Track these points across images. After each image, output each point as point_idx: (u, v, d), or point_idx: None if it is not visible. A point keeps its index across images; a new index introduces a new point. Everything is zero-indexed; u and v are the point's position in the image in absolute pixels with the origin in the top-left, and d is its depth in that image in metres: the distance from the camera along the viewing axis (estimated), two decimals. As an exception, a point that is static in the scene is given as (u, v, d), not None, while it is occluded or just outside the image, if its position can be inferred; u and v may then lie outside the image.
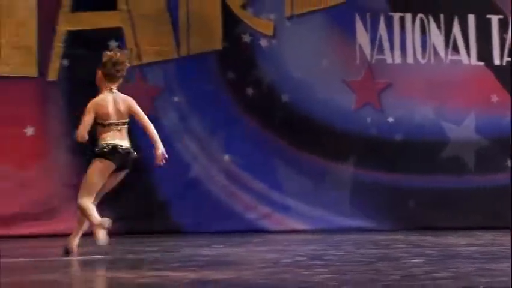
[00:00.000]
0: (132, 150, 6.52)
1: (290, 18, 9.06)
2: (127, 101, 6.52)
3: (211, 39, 8.92)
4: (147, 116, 8.23)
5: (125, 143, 6.48)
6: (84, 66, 8.54)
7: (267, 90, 9.00)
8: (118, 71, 6.51)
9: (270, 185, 8.81)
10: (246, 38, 8.97)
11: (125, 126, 6.51)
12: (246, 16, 9.00)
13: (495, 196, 8.91)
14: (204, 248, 7.07)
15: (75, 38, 8.63)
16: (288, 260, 6.18)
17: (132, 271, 5.69)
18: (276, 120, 8.97)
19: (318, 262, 6.07)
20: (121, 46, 8.54)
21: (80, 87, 8.37)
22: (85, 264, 6.34)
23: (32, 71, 8.58)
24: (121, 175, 6.56)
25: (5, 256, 6.81)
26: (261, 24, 9.03)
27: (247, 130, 8.91)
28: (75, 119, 8.44)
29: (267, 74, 8.98)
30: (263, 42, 9.00)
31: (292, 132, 8.94)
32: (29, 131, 8.46)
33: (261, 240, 7.60)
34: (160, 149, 6.58)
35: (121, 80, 6.58)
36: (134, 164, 6.64)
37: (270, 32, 9.02)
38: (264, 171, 8.84)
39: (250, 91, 8.94)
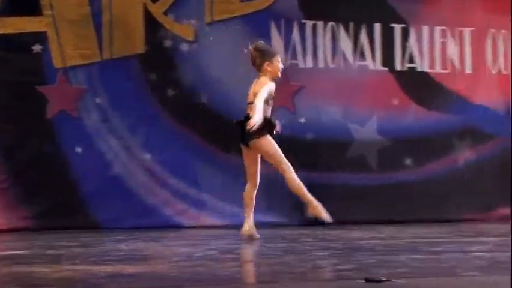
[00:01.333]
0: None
1: (210, 24, 9.01)
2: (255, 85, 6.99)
3: (133, 43, 8.81)
4: (73, 116, 8.18)
5: None
6: (8, 68, 8.41)
7: (187, 92, 8.94)
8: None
9: (188, 182, 8.74)
10: (168, 43, 8.90)
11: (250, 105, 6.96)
12: (168, 22, 8.93)
13: (395, 192, 9.05)
14: (121, 243, 6.98)
15: (0, 42, 8.43)
16: (200, 254, 6.14)
17: (50, 266, 5.57)
18: (194, 120, 8.91)
19: (229, 256, 6.04)
20: (45, 50, 8.46)
21: (4, 88, 8.19)
22: (4, 259, 6.18)
23: (-41, 72, 8.37)
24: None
25: None
26: (182, 29, 8.96)
27: (167, 129, 8.83)
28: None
29: (187, 76, 8.92)
30: (184, 47, 8.94)
31: (209, 131, 8.89)
32: (-45, 129, 8.26)
33: (176, 235, 7.54)
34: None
35: (257, 67, 7.12)
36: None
37: (190, 37, 8.96)
38: (182, 169, 8.79)
39: (170, 92, 8.86)
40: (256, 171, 7.02)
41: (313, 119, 9.14)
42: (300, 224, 8.71)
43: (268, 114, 7.01)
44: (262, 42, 7.44)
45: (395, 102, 9.31)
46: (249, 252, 6.33)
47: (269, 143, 6.96)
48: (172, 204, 8.74)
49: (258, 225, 8.60)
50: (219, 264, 5.51)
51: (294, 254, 6.12)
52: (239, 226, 8.57)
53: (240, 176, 8.91)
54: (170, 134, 8.81)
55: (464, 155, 9.50)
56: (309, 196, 6.97)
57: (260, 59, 7.04)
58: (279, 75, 7.14)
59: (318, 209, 6.87)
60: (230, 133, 8.89)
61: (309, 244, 6.84)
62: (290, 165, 7.00)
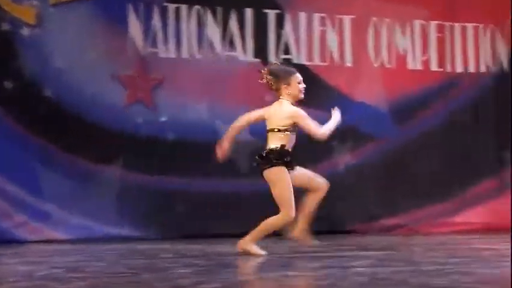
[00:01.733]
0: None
1: (55, 5, 8.88)
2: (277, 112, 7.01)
3: (-37, 26, 8.64)
4: None
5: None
6: None
7: (28, 84, 8.79)
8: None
9: (28, 189, 8.58)
10: (5, 26, 8.75)
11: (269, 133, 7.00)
12: (5, 2, 8.78)
13: (270, 200, 9.07)
14: None
15: None
16: (43, 273, 6.03)
17: None
18: (36, 116, 8.76)
19: (76, 275, 5.95)
20: None
21: None
22: None
23: None
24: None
25: None
26: (22, 11, 8.80)
27: (4, 128, 8.64)
28: None
29: (28, 65, 8.78)
30: (24, 31, 8.80)
31: (54, 130, 8.77)
32: None
33: (14, 251, 7.37)
34: None
35: (275, 91, 7.09)
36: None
37: (32, 21, 8.81)
38: (21, 175, 8.61)
39: (8, 84, 8.69)
40: (309, 182, 7.03)
41: (176, 117, 9.10)
42: (159, 238, 8.69)
43: (292, 143, 6.98)
44: (277, 63, 7.37)
45: (267, 98, 9.35)
46: (100, 270, 6.25)
47: (281, 175, 6.88)
48: (9, 216, 8.54)
49: (112, 239, 8.55)
50: (63, 285, 5.41)
51: (153, 272, 6.07)
52: (88, 240, 8.47)
53: (87, 183, 8.80)
54: (6, 134, 8.61)
55: (344, 158, 9.66)
56: (259, 236, 7.00)
57: (276, 84, 7.02)
58: (302, 97, 7.10)
59: (254, 248, 6.93)
60: (78, 133, 8.82)
61: (170, 260, 6.82)
62: (293, 213, 6.90)
